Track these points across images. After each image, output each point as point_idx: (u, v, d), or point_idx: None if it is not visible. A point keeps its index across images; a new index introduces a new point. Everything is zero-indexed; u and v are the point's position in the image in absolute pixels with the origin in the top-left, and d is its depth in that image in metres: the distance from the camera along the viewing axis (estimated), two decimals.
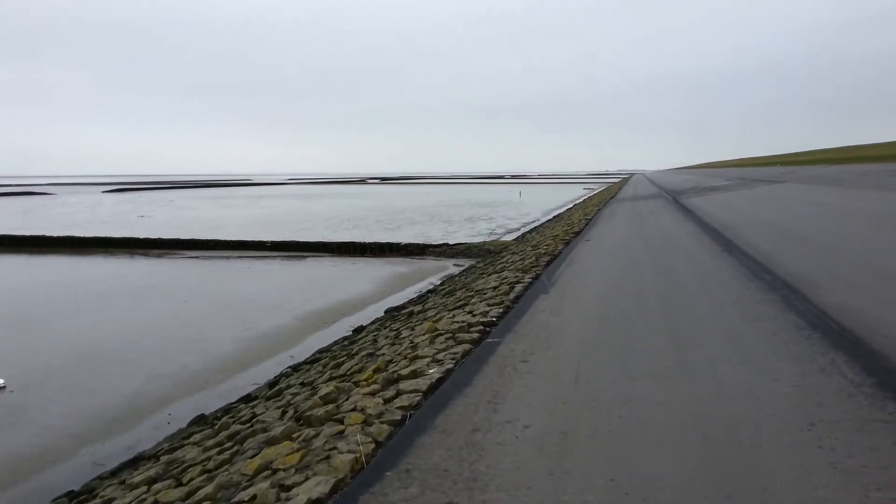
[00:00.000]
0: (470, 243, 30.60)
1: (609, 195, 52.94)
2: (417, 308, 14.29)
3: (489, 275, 15.87)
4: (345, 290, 22.04)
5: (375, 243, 31.42)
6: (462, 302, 11.98)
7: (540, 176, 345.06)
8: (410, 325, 11.71)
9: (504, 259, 20.59)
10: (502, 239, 34.41)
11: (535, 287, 11.17)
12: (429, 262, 28.18)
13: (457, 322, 9.01)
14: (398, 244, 31.05)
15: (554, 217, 45.65)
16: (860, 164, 67.60)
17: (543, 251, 17.26)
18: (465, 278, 18.81)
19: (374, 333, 12.63)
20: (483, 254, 28.45)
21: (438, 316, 10.85)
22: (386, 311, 16.61)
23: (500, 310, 9.41)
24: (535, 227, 38.58)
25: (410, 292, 21.24)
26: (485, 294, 11.69)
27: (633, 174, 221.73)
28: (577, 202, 65.98)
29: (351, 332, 14.63)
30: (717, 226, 18.38)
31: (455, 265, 27.13)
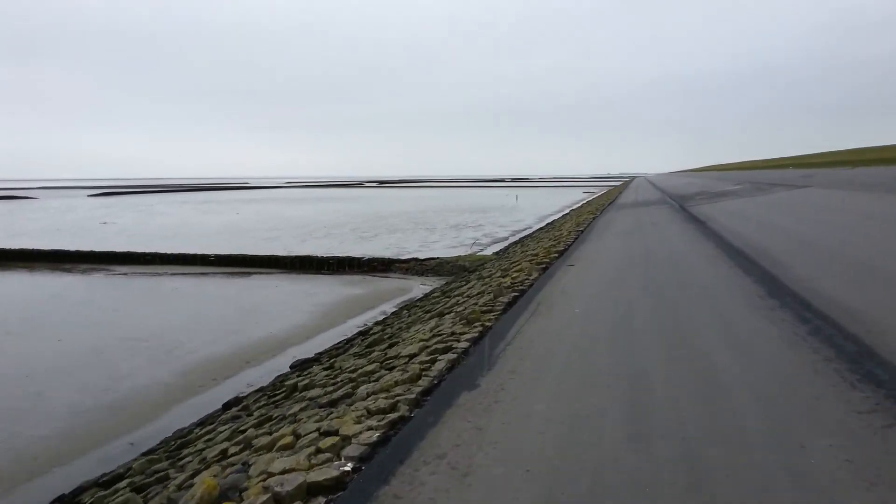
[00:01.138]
0: (443, 258, 26.16)
1: (608, 200, 48.51)
2: (318, 377, 9.80)
3: (425, 321, 11.45)
4: (273, 321, 17.66)
5: (335, 258, 27.02)
6: (362, 378, 7.60)
7: (542, 179, 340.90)
8: (268, 425, 7.26)
9: (461, 290, 16.17)
10: (482, 252, 30.00)
11: (464, 367, 6.78)
12: (391, 282, 23.77)
13: (303, 448, 4.66)
14: (361, 259, 26.65)
15: (546, 225, 41.20)
16: (882, 167, 63.05)
17: (511, 282, 12.85)
18: (404, 319, 14.37)
19: (209, 436, 8.15)
20: (456, 271, 24.06)
21: (301, 414, 6.45)
22: (291, 366, 12.19)
23: (377, 434, 5.00)
24: (523, 238, 34.17)
25: (351, 326, 16.85)
26: (391, 372, 7.29)
27: (634, 177, 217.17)
28: (574, 207, 61.60)
29: (220, 409, 10.20)
30: (744, 247, 13.87)
31: (422, 285, 22.77)
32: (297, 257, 27.20)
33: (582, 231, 22.77)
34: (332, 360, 10.93)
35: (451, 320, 9.79)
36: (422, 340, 8.71)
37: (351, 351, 11.32)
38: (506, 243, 34.55)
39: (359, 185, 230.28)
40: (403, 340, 9.67)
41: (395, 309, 18.41)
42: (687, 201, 32.07)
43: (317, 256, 27.17)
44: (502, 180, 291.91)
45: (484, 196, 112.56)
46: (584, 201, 76.73)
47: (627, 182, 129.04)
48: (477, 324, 8.82)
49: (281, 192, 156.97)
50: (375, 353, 9.52)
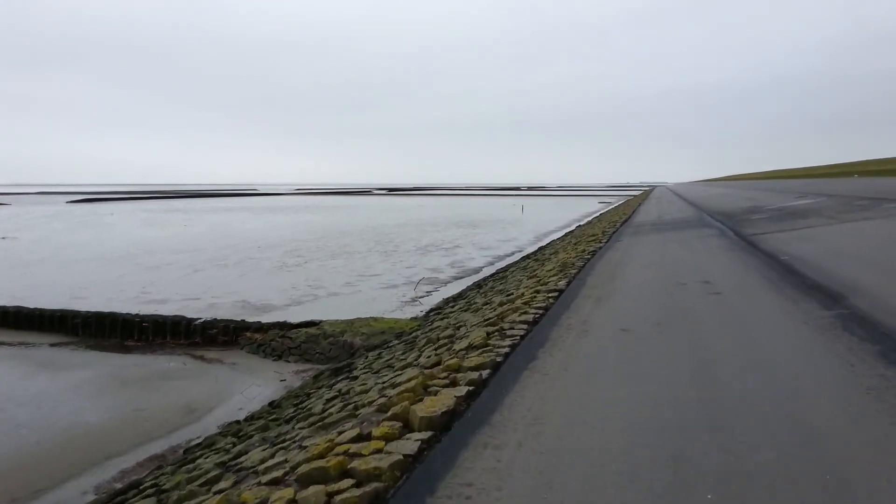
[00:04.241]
0: (327, 326, 15.18)
1: (624, 215, 37.38)
2: None
3: None
4: None
5: (151, 319, 16.18)
6: None
7: (559, 188, 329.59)
8: None
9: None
10: (419, 305, 19.23)
11: None
12: (218, 371, 13.11)
13: None
14: (194, 322, 15.75)
15: (536, 252, 30.23)
16: None
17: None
18: None
19: None
20: (338, 352, 13.30)
21: None
22: None
23: None
24: (492, 276, 23.28)
25: None
26: None
27: (654, 187, 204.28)
28: (582, 222, 50.56)
29: None
30: None
31: (280, 379, 12.13)
32: (94, 315, 16.40)
33: (573, 276, 11.80)
34: None
35: None
36: None
37: None
38: (471, 280, 23.69)
39: (367, 192, 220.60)
40: None
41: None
42: (740, 223, 20.92)
43: (127, 316, 16.31)
44: (517, 189, 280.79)
45: (489, 206, 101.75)
46: (598, 213, 65.62)
47: (647, 192, 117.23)
48: None
49: (282, 199, 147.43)
50: None
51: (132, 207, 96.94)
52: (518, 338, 7.74)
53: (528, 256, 28.04)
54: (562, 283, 11.92)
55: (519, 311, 9.85)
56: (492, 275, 23.70)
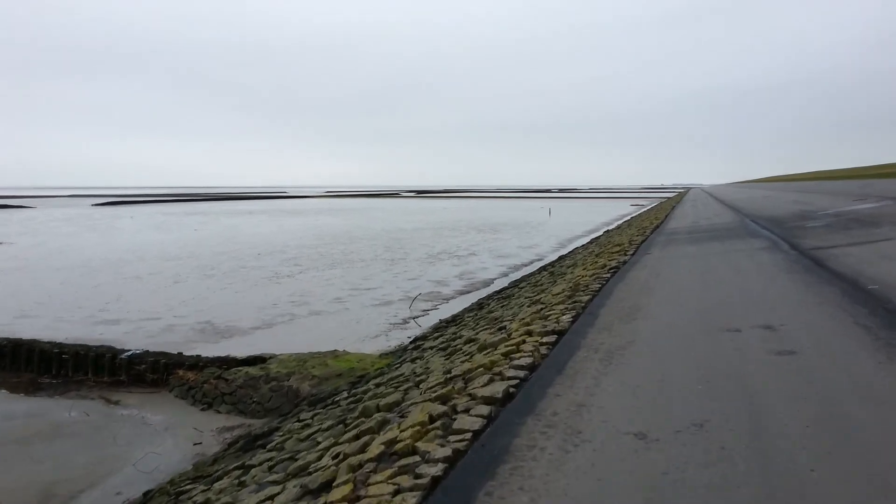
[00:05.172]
0: (271, 364, 12.18)
1: (656, 220, 33.92)
2: None
3: None
4: None
5: (78, 349, 13.39)
6: None
7: (590, 189, 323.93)
8: None
9: None
10: (418, 323, 16.24)
11: None
12: (103, 437, 10.21)
13: None
14: (122, 356, 12.90)
15: (554, 261, 27.07)
16: None
17: None
18: None
19: None
20: (272, 404, 10.39)
21: None
22: None
23: None
24: (498, 293, 20.21)
25: None
26: None
27: (689, 188, 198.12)
28: (611, 226, 47.13)
29: None
30: None
31: (154, 454, 9.23)
32: (11, 343, 13.67)
33: (585, 306, 8.75)
34: None
35: None
36: None
37: None
38: (472, 298, 20.63)
39: (395, 194, 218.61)
40: None
41: None
42: (794, 233, 17.48)
43: (44, 345, 13.52)
44: (548, 191, 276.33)
45: (516, 209, 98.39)
46: (629, 216, 61.98)
47: (682, 194, 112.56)
48: None
49: (308, 202, 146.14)
50: None
51: (153, 210, 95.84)
52: (467, 440, 4.67)
53: (544, 268, 24.87)
54: (565, 319, 8.78)
55: (493, 370, 6.79)
56: (499, 290, 20.59)
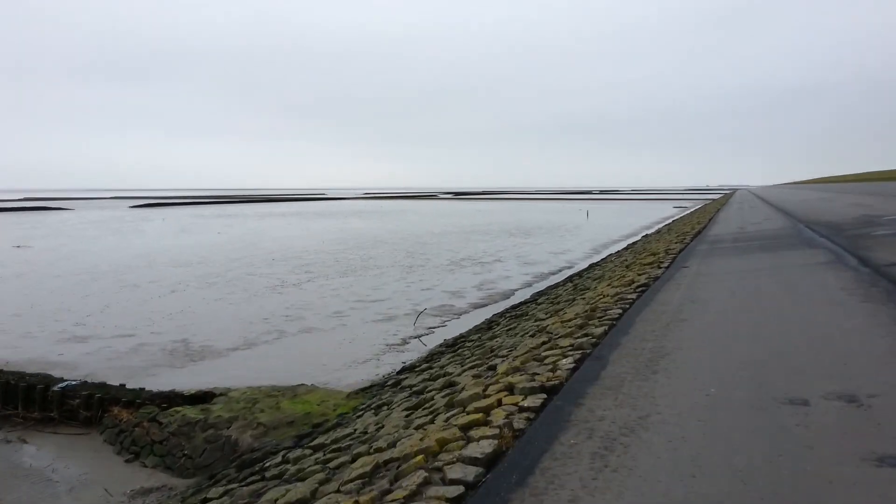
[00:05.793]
0: (217, 404, 10.06)
1: (698, 224, 31.12)
2: None
3: None
4: None
5: (9, 378, 11.54)
6: None
7: (633, 191, 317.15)
8: None
9: None
10: (422, 341, 14.09)
11: None
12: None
13: None
14: (54, 388, 10.98)
15: (582, 271, 24.63)
16: None
17: None
18: None
19: None
20: (204, 460, 8.32)
21: None
22: None
23: None
24: (512, 309, 17.90)
25: None
26: None
27: (735, 190, 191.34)
28: (650, 230, 44.27)
29: None
30: None
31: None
32: None
33: (596, 342, 6.53)
34: None
35: None
36: None
37: None
38: (485, 313, 18.31)
39: (433, 196, 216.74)
40: None
41: None
42: (859, 242, 14.73)
43: None
44: (589, 192, 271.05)
45: (553, 211, 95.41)
46: (670, 219, 58.81)
47: (728, 195, 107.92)
48: None
49: (344, 203, 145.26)
50: None
51: (186, 212, 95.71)
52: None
53: (570, 278, 22.44)
54: (564, 365, 6.50)
55: (433, 463, 4.61)
56: (515, 306, 18.25)
